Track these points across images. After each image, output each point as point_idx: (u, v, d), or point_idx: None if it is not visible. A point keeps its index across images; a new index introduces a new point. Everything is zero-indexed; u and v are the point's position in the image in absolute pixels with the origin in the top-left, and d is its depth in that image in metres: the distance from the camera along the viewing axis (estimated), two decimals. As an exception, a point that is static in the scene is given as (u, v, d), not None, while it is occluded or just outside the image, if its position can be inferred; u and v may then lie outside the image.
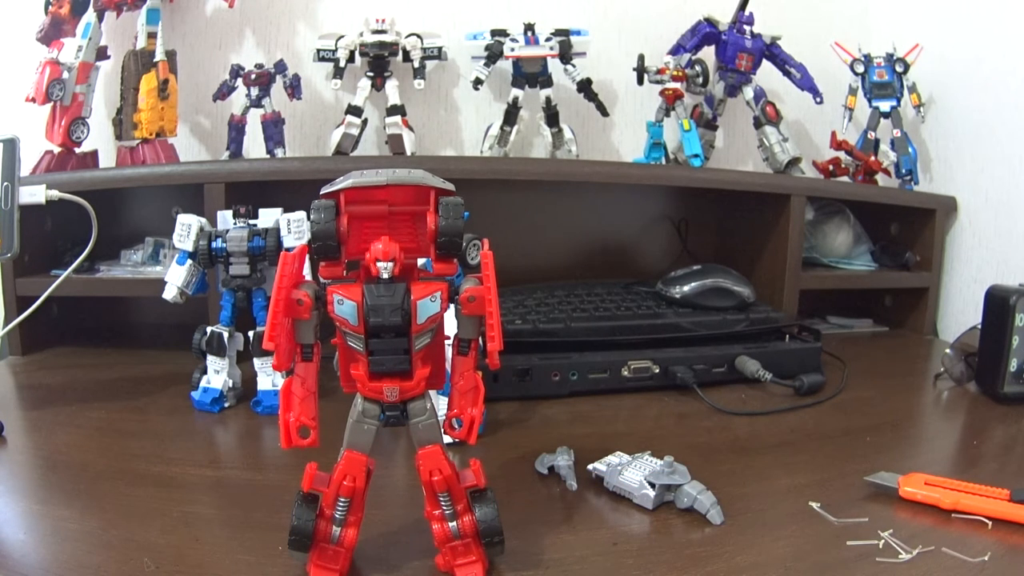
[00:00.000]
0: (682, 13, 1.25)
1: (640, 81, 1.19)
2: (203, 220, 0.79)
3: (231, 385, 0.80)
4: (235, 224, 0.80)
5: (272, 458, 0.68)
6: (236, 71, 1.12)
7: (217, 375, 0.79)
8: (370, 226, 0.46)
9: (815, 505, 0.57)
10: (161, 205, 1.11)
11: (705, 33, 1.20)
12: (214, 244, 0.78)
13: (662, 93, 1.18)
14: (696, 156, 1.17)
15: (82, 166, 1.06)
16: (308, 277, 0.50)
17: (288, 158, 1.14)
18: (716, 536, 0.53)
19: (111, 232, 0.98)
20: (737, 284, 1.01)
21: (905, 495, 0.58)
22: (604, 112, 1.19)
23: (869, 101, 1.23)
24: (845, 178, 1.25)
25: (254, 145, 1.16)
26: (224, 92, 1.13)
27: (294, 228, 0.79)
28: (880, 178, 1.24)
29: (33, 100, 1.00)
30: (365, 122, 1.13)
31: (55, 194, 0.75)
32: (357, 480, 0.46)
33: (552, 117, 1.16)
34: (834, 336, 1.13)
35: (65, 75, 1.01)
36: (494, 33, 1.15)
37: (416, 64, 1.13)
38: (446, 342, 0.50)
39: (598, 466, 0.61)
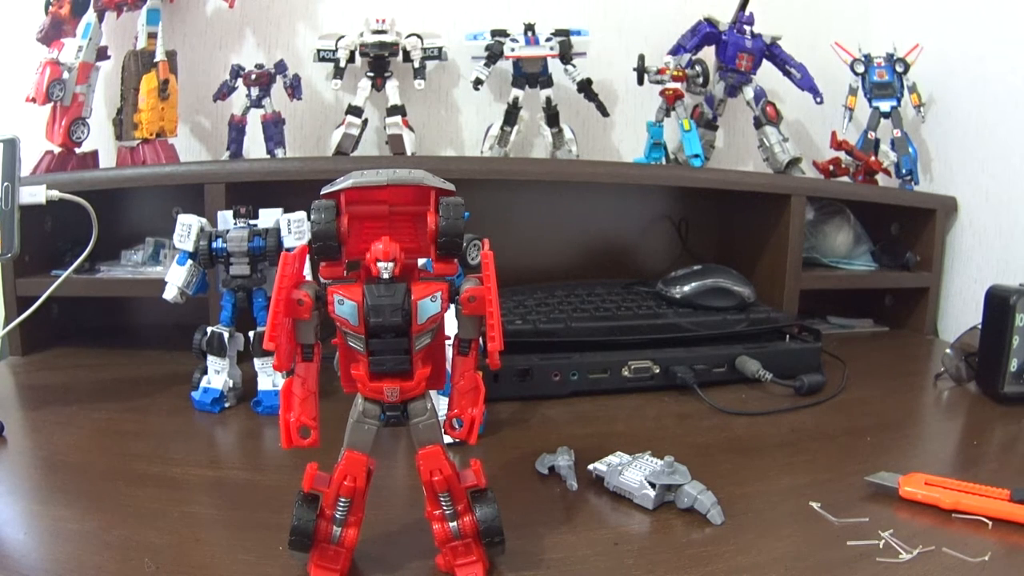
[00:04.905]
0: (682, 13, 1.25)
1: (640, 81, 1.19)
2: (203, 220, 0.79)
3: (231, 385, 0.80)
4: (235, 224, 0.80)
5: (272, 458, 0.68)
6: (236, 71, 1.12)
7: (217, 375, 0.79)
8: (370, 226, 0.46)
9: (815, 505, 0.57)
10: (161, 205, 1.11)
11: (705, 33, 1.20)
12: (214, 244, 0.78)
13: (662, 93, 1.18)
14: (696, 156, 1.17)
15: (82, 166, 1.06)
16: (308, 277, 0.50)
17: (288, 158, 1.14)
18: (716, 536, 0.53)
19: (111, 232, 0.98)
20: (737, 284, 1.01)
21: (905, 495, 0.58)
22: (604, 112, 1.19)
23: (869, 101, 1.23)
24: (845, 178, 1.25)
25: (254, 145, 1.16)
26: (224, 92, 1.13)
27: (294, 228, 0.79)
28: (880, 178, 1.24)
29: (33, 100, 1.00)
30: (365, 122, 1.13)
31: (55, 194, 0.75)
32: (358, 480, 0.46)
33: (552, 117, 1.16)
34: (834, 336, 1.13)
35: (65, 75, 1.01)
36: (494, 33, 1.15)
37: (416, 64, 1.13)
38: (446, 342, 0.50)
39: (598, 466, 0.61)
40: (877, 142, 1.23)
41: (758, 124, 1.22)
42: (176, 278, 0.79)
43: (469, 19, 1.20)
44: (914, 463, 0.65)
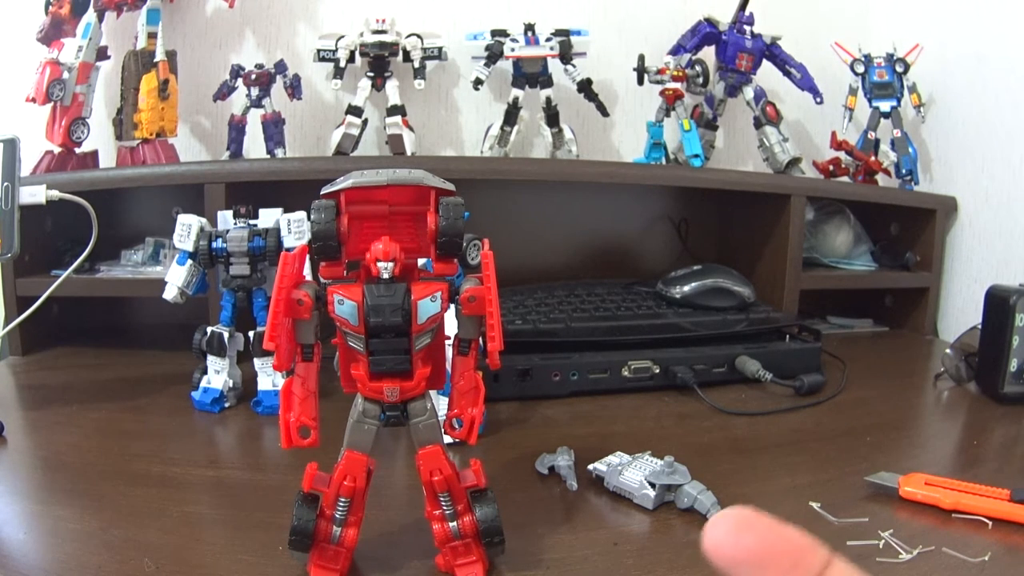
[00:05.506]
0: (682, 13, 1.25)
1: (640, 81, 1.19)
2: (203, 220, 0.79)
3: (231, 385, 0.80)
4: (235, 224, 0.80)
5: (272, 458, 0.68)
6: (236, 71, 1.12)
7: (217, 375, 0.79)
8: (370, 226, 0.46)
9: (815, 505, 0.57)
10: (161, 205, 1.11)
11: (705, 33, 1.20)
12: (214, 244, 0.78)
13: (662, 93, 1.18)
14: (696, 156, 1.17)
15: (82, 166, 1.06)
16: (308, 277, 0.50)
17: (288, 158, 1.14)
18: (716, 536, 0.53)
19: (111, 232, 0.98)
20: (737, 284, 1.01)
21: (905, 495, 0.58)
22: (604, 112, 1.19)
23: (869, 101, 1.23)
24: (845, 178, 1.25)
25: (254, 145, 1.16)
26: (224, 92, 1.13)
27: (294, 228, 0.79)
28: (880, 178, 1.24)
29: (33, 100, 1.00)
30: (365, 122, 1.13)
31: (55, 194, 0.75)
32: (357, 480, 0.46)
33: (552, 117, 1.16)
34: (834, 336, 1.13)
35: (65, 75, 1.01)
36: (494, 33, 1.15)
37: (416, 64, 1.13)
38: (446, 342, 0.50)
39: (598, 466, 0.61)
40: (877, 142, 1.23)
41: (758, 124, 1.22)
42: (176, 278, 0.79)
43: (469, 19, 1.20)
44: (914, 463, 0.65)
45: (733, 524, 0.20)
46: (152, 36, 1.07)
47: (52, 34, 1.03)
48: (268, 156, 1.13)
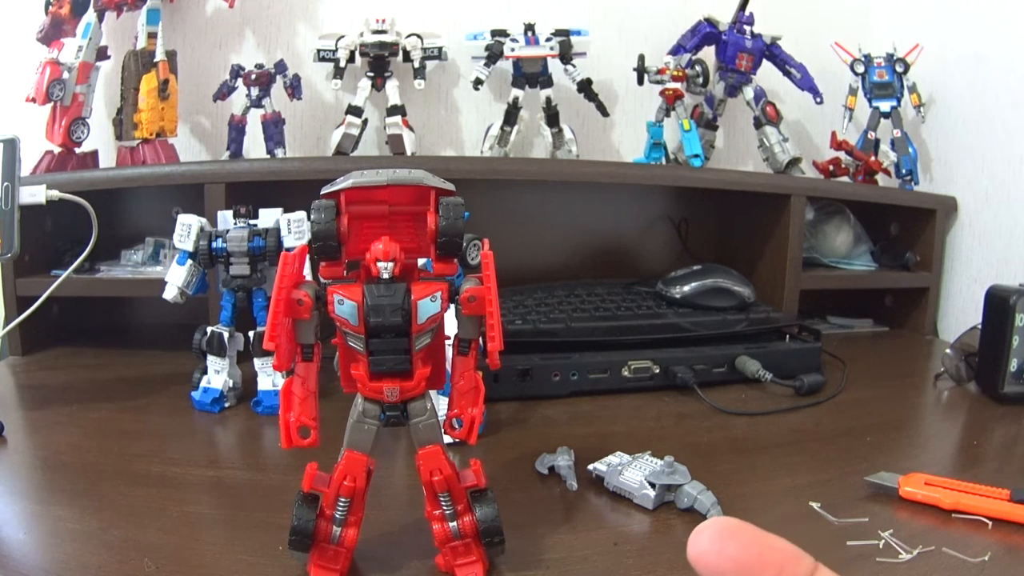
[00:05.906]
0: (682, 13, 1.25)
1: (640, 81, 1.19)
2: (203, 220, 0.79)
3: (231, 385, 0.80)
4: (235, 224, 0.80)
5: (272, 458, 0.68)
6: (236, 71, 1.12)
7: (217, 375, 0.79)
8: (370, 226, 0.46)
9: (815, 505, 0.57)
10: (161, 205, 1.11)
11: (705, 33, 1.20)
12: (214, 244, 0.78)
13: (662, 93, 1.18)
14: (696, 156, 1.17)
15: (82, 166, 1.06)
16: (308, 277, 0.50)
17: (288, 158, 1.14)
18: (716, 536, 0.53)
19: (111, 232, 0.98)
20: (737, 284, 1.01)
21: (905, 495, 0.58)
22: (604, 112, 1.19)
23: (869, 101, 1.23)
24: (845, 178, 1.25)
25: (254, 145, 1.16)
26: (224, 92, 1.13)
27: (294, 228, 0.79)
28: (880, 178, 1.24)
29: (33, 100, 1.00)
30: (365, 122, 1.13)
31: (55, 194, 0.75)
32: (357, 480, 0.46)
33: (552, 117, 1.16)
34: (834, 336, 1.13)
35: (65, 75, 1.01)
36: (494, 33, 1.15)
37: (416, 64, 1.13)
38: (446, 342, 0.50)
39: (598, 466, 0.61)
40: (877, 142, 1.23)
41: (758, 124, 1.22)
42: (176, 278, 0.79)
43: (469, 19, 1.20)
44: (914, 463, 0.65)
45: (716, 533, 0.20)
46: (152, 36, 1.07)
47: (52, 34, 1.03)
48: (268, 156, 1.13)
